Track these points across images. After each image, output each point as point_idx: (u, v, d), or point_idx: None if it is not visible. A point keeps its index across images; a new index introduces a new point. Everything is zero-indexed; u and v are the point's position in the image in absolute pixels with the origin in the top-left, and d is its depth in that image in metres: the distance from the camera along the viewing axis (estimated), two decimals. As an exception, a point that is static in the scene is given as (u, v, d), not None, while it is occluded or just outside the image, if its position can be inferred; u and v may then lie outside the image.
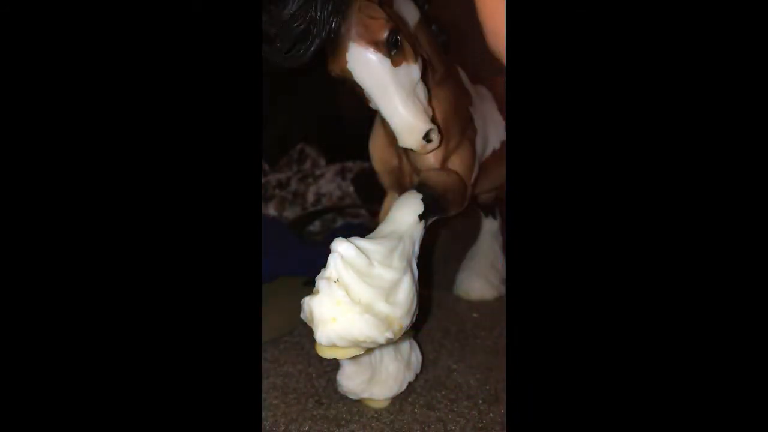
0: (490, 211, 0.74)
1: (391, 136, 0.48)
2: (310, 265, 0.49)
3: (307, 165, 0.92)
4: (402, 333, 0.48)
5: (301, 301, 0.45)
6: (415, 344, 0.55)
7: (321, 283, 0.44)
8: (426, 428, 0.48)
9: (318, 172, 0.92)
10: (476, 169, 0.54)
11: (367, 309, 0.42)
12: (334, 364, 0.52)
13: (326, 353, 0.48)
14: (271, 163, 0.92)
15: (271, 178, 0.90)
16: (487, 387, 0.53)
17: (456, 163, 0.51)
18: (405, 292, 0.45)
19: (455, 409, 0.50)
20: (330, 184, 0.93)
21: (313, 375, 0.55)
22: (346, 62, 0.43)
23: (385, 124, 0.47)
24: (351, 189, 0.94)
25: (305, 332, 0.59)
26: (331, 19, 0.42)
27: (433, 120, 0.45)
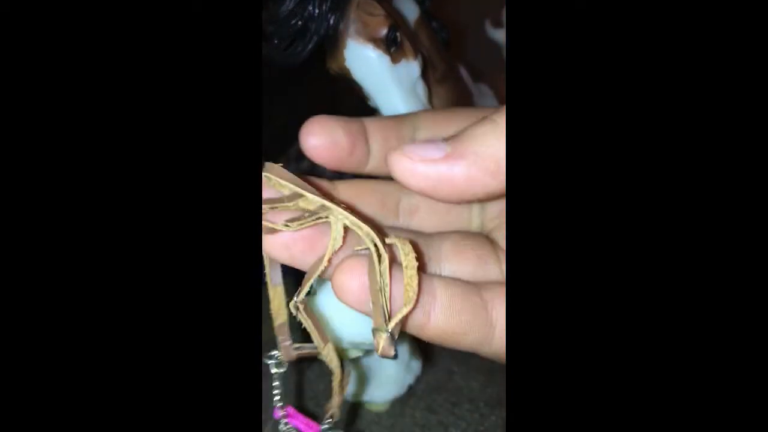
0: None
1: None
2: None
3: (306, 164, 0.92)
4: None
5: (300, 303, 0.44)
6: (415, 346, 0.55)
7: (319, 283, 0.43)
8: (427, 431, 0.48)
9: (316, 171, 0.91)
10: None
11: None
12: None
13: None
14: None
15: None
16: (489, 390, 0.53)
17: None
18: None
19: (456, 413, 0.50)
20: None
21: (312, 377, 0.55)
22: (344, 60, 0.43)
23: (384, 122, 0.46)
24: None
25: (304, 334, 0.58)
26: (329, 16, 0.42)
27: (434, 118, 0.44)
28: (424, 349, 0.56)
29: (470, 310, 0.20)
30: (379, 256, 0.19)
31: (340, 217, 0.21)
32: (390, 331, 0.19)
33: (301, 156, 0.91)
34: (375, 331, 0.20)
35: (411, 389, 0.52)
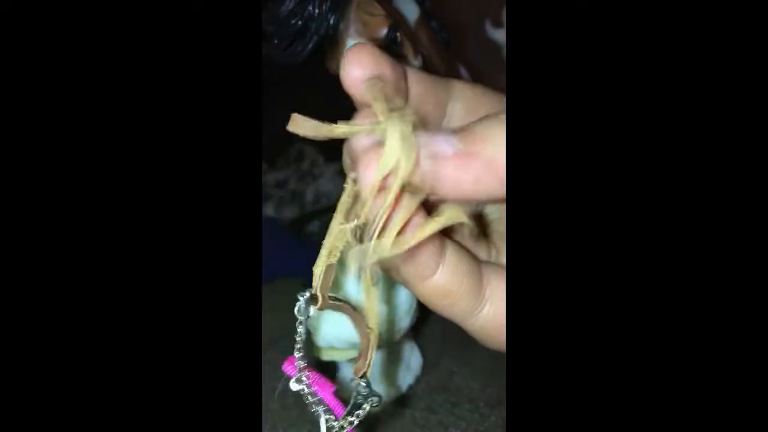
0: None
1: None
2: (308, 266, 0.48)
3: (306, 164, 0.92)
4: (401, 335, 0.48)
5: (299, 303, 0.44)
6: (415, 346, 0.55)
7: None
8: (427, 432, 0.48)
9: (317, 171, 0.91)
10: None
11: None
12: (333, 367, 0.52)
13: (324, 355, 0.47)
14: (269, 162, 0.91)
15: (269, 178, 0.89)
16: (489, 390, 0.53)
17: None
18: (404, 292, 0.45)
19: (456, 413, 0.50)
20: (329, 183, 0.92)
21: (312, 378, 0.55)
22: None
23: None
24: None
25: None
26: (329, 15, 0.42)
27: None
28: (424, 350, 0.56)
29: (471, 278, 0.20)
30: (401, 192, 0.17)
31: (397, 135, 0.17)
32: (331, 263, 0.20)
33: (300, 156, 0.91)
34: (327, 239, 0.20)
35: (411, 389, 0.52)
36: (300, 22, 0.41)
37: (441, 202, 0.19)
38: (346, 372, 0.49)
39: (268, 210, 0.89)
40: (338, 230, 0.21)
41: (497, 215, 0.25)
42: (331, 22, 0.42)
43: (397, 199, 0.18)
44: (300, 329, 0.22)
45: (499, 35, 0.68)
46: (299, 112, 0.20)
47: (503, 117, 0.18)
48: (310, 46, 0.42)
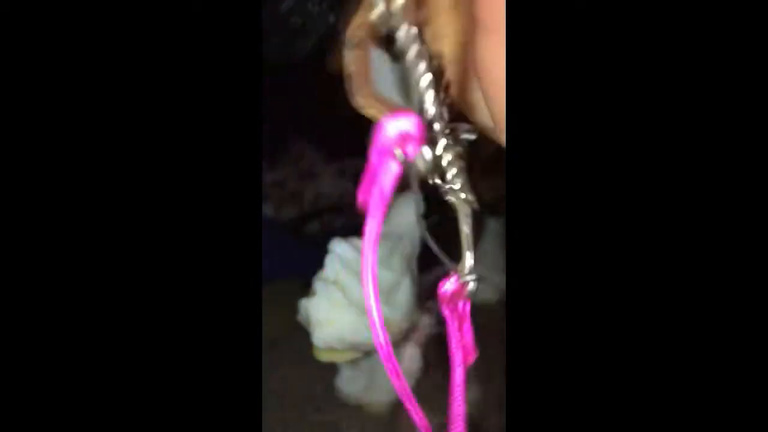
0: (493, 210, 0.73)
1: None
2: (308, 267, 0.48)
3: (305, 164, 0.91)
4: (401, 336, 0.48)
5: (298, 303, 0.44)
6: (415, 347, 0.55)
7: (318, 284, 0.43)
8: (426, 433, 0.48)
9: (316, 171, 0.91)
10: (478, 168, 0.53)
11: (366, 311, 0.42)
12: (332, 369, 0.52)
13: (324, 357, 0.47)
14: (268, 162, 0.91)
15: (268, 178, 0.89)
16: (490, 392, 0.53)
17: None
18: (404, 294, 0.45)
19: (456, 414, 0.50)
20: (329, 183, 0.92)
21: (311, 379, 0.54)
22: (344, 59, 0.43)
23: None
24: (350, 188, 0.92)
25: (303, 335, 0.58)
26: (328, 14, 0.42)
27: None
28: (424, 350, 0.56)
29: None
30: None
31: None
32: None
33: (300, 156, 0.91)
34: None
35: (411, 390, 0.52)
36: (299, 21, 0.41)
37: None
38: (346, 374, 0.49)
39: (267, 210, 0.89)
40: None
41: None
42: (331, 20, 0.42)
43: None
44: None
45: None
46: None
47: None
48: (310, 45, 0.42)
